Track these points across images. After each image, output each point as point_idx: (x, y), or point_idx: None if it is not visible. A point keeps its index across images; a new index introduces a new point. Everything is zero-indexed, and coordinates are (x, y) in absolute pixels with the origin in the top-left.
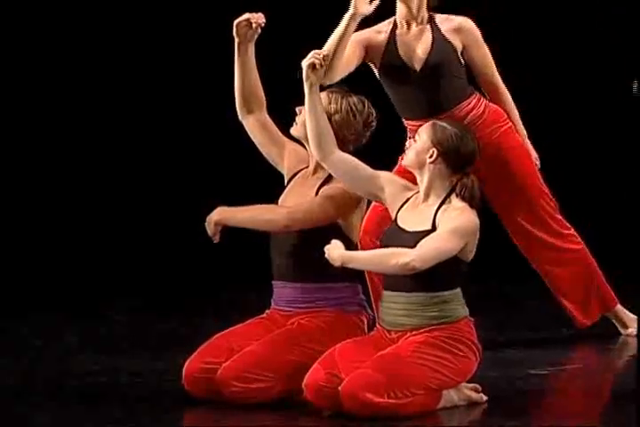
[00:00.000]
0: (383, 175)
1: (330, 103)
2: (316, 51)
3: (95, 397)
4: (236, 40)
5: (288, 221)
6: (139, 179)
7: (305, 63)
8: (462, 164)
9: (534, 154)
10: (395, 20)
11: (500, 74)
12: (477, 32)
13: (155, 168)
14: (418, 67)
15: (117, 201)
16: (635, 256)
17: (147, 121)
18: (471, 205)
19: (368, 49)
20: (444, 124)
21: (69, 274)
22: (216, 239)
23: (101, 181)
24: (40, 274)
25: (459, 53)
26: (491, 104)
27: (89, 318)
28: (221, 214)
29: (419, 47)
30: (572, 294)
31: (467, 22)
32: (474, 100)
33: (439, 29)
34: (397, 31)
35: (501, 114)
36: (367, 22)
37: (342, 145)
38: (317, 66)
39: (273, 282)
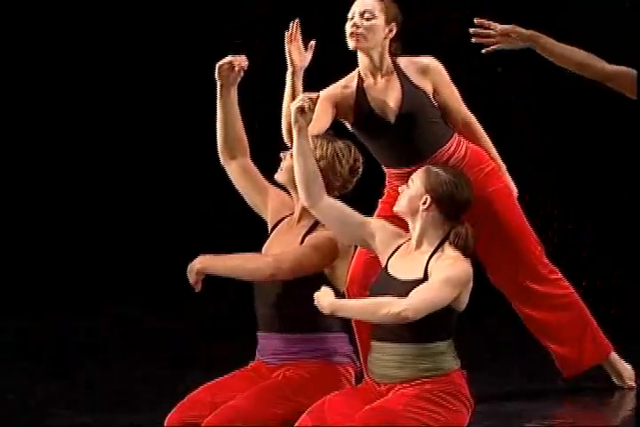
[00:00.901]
0: (374, 222)
1: (315, 149)
2: (306, 94)
3: None
4: (219, 83)
5: (274, 269)
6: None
7: (294, 106)
8: (456, 211)
9: (514, 189)
10: (359, 73)
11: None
12: (444, 71)
13: (153, 187)
14: (392, 118)
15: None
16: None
17: (148, 123)
18: (465, 254)
19: (338, 106)
20: (438, 170)
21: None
22: (198, 288)
23: (98, 193)
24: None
25: (431, 96)
26: (471, 144)
27: (69, 368)
28: (203, 263)
29: (389, 98)
30: (564, 341)
31: (433, 62)
32: (454, 143)
33: (406, 75)
34: (364, 84)
35: (483, 154)
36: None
37: (328, 191)
38: (306, 109)
39: (257, 333)
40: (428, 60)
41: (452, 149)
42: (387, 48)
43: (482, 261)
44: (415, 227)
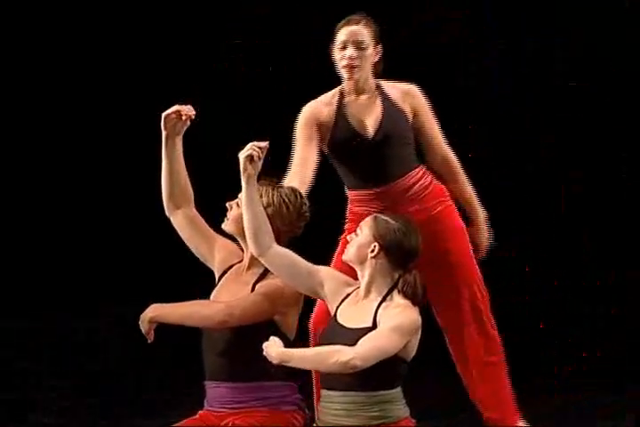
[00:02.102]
0: (323, 270)
1: (261, 196)
2: (254, 143)
3: None
4: (164, 133)
5: (224, 316)
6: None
7: (242, 155)
8: (405, 259)
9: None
10: (341, 90)
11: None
12: (424, 99)
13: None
14: (370, 135)
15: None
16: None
17: (151, 122)
18: (413, 302)
19: (319, 126)
20: (387, 218)
21: None
22: (150, 338)
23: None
24: None
25: (409, 120)
26: (436, 181)
27: (69, 368)
28: (155, 311)
29: (370, 115)
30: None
31: (414, 88)
32: (421, 171)
33: (388, 96)
34: (345, 100)
35: (445, 192)
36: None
37: (276, 238)
38: (255, 158)
39: (205, 382)
40: (410, 86)
41: (419, 175)
42: (371, 69)
43: (431, 302)
44: (364, 275)
